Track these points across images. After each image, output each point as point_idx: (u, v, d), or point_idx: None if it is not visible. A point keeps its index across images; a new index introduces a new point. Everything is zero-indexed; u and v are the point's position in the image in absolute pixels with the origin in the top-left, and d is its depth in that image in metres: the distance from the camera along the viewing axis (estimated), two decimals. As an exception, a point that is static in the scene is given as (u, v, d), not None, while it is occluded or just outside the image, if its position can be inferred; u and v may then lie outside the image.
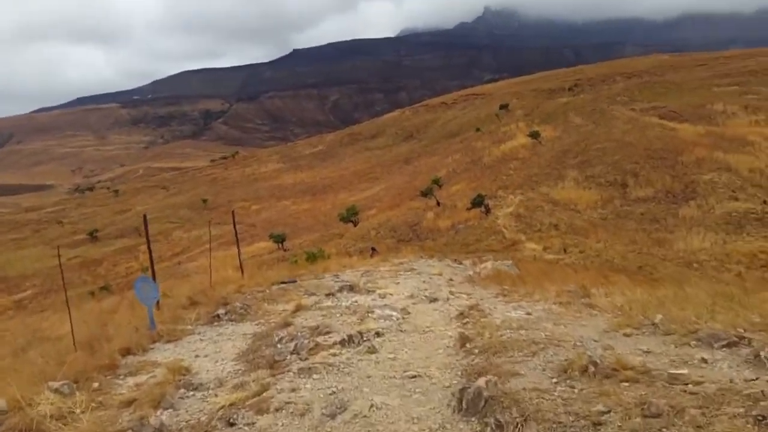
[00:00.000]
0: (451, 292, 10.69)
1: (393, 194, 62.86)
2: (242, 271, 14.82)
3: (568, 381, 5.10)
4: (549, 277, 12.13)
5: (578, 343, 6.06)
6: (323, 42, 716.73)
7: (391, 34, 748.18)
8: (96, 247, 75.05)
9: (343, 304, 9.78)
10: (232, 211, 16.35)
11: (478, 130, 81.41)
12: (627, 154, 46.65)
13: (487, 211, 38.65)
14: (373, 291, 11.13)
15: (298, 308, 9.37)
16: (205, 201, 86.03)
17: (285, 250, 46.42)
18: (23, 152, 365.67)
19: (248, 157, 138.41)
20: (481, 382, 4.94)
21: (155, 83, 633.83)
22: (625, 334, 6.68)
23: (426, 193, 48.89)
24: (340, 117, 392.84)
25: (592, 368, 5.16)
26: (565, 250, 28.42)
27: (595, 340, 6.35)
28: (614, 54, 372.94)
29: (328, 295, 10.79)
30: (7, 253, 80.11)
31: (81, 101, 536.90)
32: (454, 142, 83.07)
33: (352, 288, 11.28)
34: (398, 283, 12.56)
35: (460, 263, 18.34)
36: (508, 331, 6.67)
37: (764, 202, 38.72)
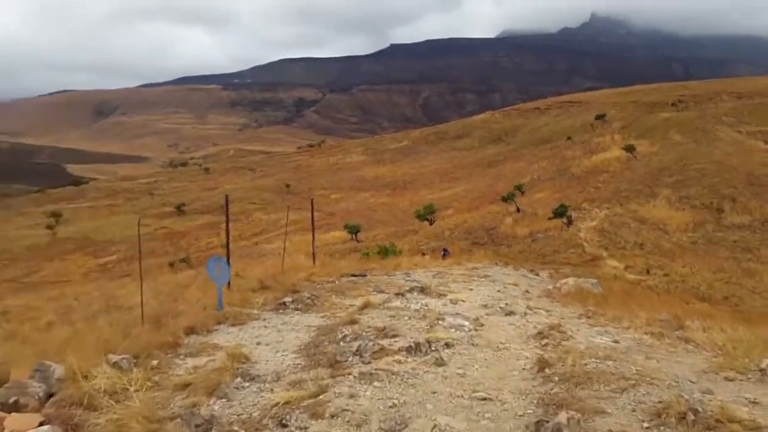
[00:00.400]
0: (529, 307, 9.78)
1: (473, 196, 61.83)
2: (314, 260, 14.76)
3: (662, 428, 4.46)
4: (637, 301, 11.07)
5: (674, 383, 5.34)
6: (422, 38, 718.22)
7: (492, 35, 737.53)
8: (182, 220, 78.19)
9: (413, 306, 9.18)
10: (311, 199, 16.51)
11: (569, 138, 78.79)
12: (727, 177, 43.82)
13: (569, 222, 37.19)
14: (445, 295, 10.47)
15: (366, 305, 8.95)
16: (288, 186, 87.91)
17: (358, 242, 46.55)
18: (126, 124, 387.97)
19: (334, 146, 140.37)
20: (561, 417, 4.38)
21: (255, 68, 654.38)
22: (727, 378, 5.88)
23: (507, 198, 47.67)
24: (430, 115, 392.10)
25: (691, 416, 4.48)
26: (648, 271, 26.89)
27: (692, 381, 5.61)
28: (725, 72, 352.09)
29: (397, 294, 10.17)
30: (100, 219, 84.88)
31: (185, 80, 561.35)
32: (543, 149, 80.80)
33: (422, 290, 10.61)
34: (471, 289, 11.89)
35: (537, 274, 17.56)
36: (593, 359, 5.96)
37: None
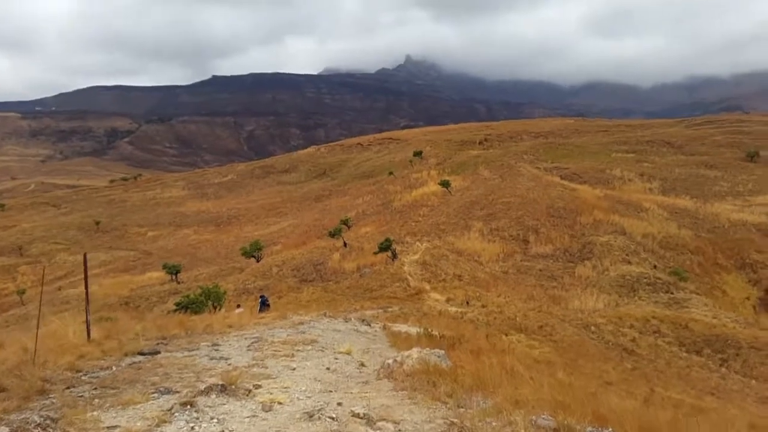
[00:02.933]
0: (368, 416, 6.68)
1: (300, 231, 61.57)
2: (89, 332, 10.61)
3: None
4: (491, 379, 8.49)
5: None
6: (245, 71, 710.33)
7: (314, 71, 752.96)
8: (-32, 264, 68.29)
9: (204, 428, 6.28)
10: (84, 254, 12.21)
11: (390, 173, 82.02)
12: (530, 210, 48.10)
13: (394, 256, 38.28)
14: (256, 393, 7.49)
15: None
16: (98, 223, 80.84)
17: (179, 282, 43.90)
18: None
19: (151, 180, 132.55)
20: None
21: (61, 95, 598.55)
22: None
23: (334, 234, 48.08)
24: (255, 148, 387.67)
25: None
26: (468, 303, 28.30)
27: None
28: (523, 114, 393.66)
29: (183, 404, 6.76)
30: None
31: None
32: (367, 183, 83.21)
33: (224, 388, 7.39)
34: (294, 369, 9.13)
35: (369, 325, 15.81)
36: None
37: (654, 266, 40.79)
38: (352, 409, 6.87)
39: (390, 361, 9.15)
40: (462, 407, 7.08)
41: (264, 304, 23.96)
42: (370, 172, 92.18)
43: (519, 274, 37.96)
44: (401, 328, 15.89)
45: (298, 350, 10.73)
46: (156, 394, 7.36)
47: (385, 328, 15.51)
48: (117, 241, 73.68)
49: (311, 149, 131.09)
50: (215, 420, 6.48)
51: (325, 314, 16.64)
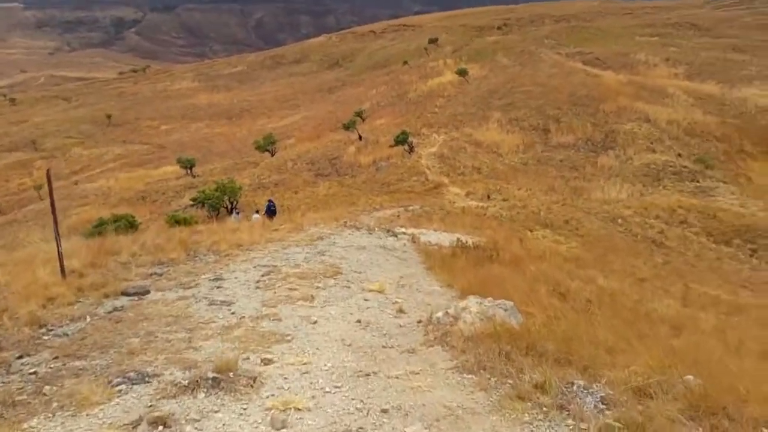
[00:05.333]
0: None
1: (314, 124, 60.46)
2: (63, 270, 8.25)
3: None
4: (575, 335, 6.18)
5: None
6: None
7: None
8: (-16, 160, 68.52)
9: None
10: (48, 170, 9.25)
11: (405, 63, 79.25)
12: (551, 99, 46.42)
13: (411, 149, 37.47)
14: (262, 382, 5.19)
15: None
16: (109, 117, 79.89)
17: (194, 176, 43.68)
18: None
19: (161, 72, 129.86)
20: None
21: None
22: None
23: (348, 126, 47.02)
24: (264, 37, 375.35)
25: None
26: (488, 197, 27.79)
27: None
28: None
29: (154, 422, 4.45)
30: None
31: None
32: (381, 73, 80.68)
33: (218, 383, 5.01)
34: (315, 322, 6.98)
35: (395, 236, 13.86)
36: None
37: (679, 155, 39.70)
38: (406, 430, 4.41)
39: (440, 314, 6.82)
40: (572, 416, 4.45)
41: (270, 209, 22.49)
42: (384, 62, 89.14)
43: (539, 165, 37.12)
44: (430, 236, 14.74)
45: (318, 287, 8.54)
46: (124, 385, 5.17)
47: (413, 240, 13.79)
48: (130, 134, 73.09)
49: (322, 38, 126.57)
50: None
51: (345, 224, 14.78)
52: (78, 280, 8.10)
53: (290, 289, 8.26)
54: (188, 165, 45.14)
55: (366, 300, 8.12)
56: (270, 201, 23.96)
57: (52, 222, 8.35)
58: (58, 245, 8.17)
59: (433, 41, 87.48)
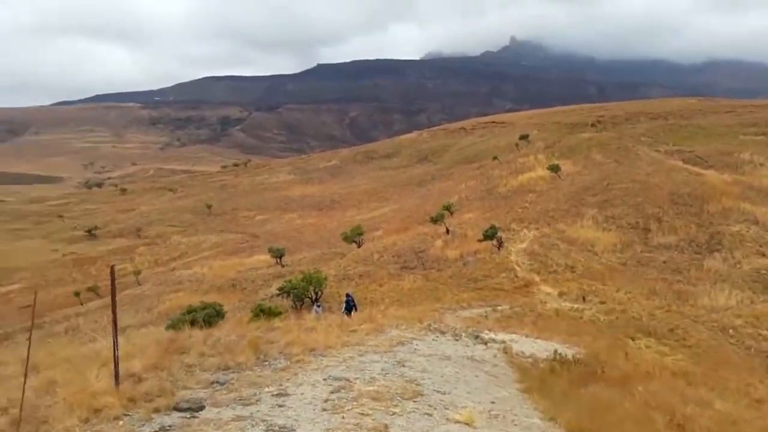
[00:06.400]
0: None
1: (402, 217, 60.68)
2: (117, 378, 7.36)
3: None
4: None
5: None
6: (348, 59, 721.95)
7: (417, 57, 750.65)
8: (93, 244, 73.26)
9: None
10: (111, 272, 8.91)
11: (495, 158, 79.23)
12: (650, 197, 44.36)
13: (500, 244, 36.34)
14: None
15: None
16: (209, 207, 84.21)
17: (283, 266, 44.30)
18: (40, 143, 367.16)
19: (260, 165, 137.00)
20: None
21: (178, 86, 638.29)
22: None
23: (436, 220, 46.63)
24: (358, 134, 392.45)
25: None
26: (584, 299, 25.98)
27: None
28: (638, 93, 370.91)
29: None
30: (5, 244, 78.43)
31: (100, 98, 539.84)
32: (470, 168, 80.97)
33: None
34: None
35: (485, 344, 12.68)
36: None
37: (797, 261, 36.19)
38: None
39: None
40: None
41: (349, 305, 20.81)
42: (474, 157, 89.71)
43: (639, 266, 34.84)
44: (523, 345, 13.28)
45: (394, 413, 7.24)
46: None
47: (505, 350, 12.43)
48: (227, 224, 76.33)
49: (413, 134, 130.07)
50: None
51: (429, 327, 13.50)
52: (133, 387, 7.36)
53: (361, 414, 7.06)
54: (278, 254, 46.05)
55: (451, 437, 6.56)
56: (348, 296, 22.24)
57: (111, 322, 7.51)
58: (115, 349, 7.36)
59: (524, 137, 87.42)
